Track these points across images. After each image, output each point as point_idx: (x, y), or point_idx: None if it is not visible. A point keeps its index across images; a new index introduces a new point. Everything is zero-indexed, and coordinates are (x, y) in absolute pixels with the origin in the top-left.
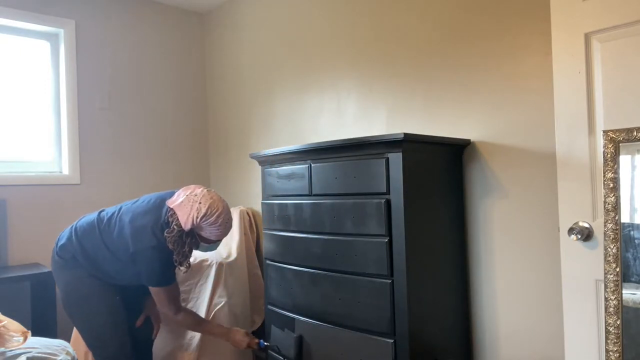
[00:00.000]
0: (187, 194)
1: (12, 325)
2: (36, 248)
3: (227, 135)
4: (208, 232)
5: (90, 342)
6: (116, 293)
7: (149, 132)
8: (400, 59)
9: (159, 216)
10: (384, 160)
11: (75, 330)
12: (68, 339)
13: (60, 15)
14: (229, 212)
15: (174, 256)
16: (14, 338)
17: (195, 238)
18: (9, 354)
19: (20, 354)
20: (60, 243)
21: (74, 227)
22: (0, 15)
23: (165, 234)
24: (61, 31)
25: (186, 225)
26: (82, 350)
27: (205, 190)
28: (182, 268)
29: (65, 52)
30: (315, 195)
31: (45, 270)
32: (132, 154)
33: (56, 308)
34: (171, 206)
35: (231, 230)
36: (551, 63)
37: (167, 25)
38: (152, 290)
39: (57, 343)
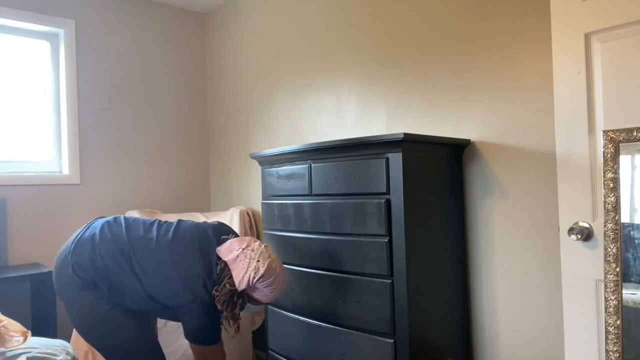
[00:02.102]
0: (242, 247)
1: (12, 325)
2: (36, 248)
3: (227, 135)
4: (260, 294)
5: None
6: (142, 318)
7: (149, 132)
8: (400, 59)
9: (210, 267)
10: (384, 160)
11: (75, 330)
12: (68, 339)
13: (60, 15)
14: (285, 273)
15: (222, 314)
16: (14, 338)
17: (244, 299)
18: (9, 354)
19: (20, 354)
20: (76, 260)
21: (95, 242)
22: (0, 15)
23: (214, 292)
24: (61, 31)
25: (241, 285)
26: (82, 350)
27: (263, 246)
28: (229, 331)
29: (65, 52)
30: (315, 195)
31: (45, 270)
32: (132, 154)
33: (56, 308)
34: (224, 259)
35: None
36: (551, 63)
37: (167, 25)
38: (196, 348)
39: (57, 343)
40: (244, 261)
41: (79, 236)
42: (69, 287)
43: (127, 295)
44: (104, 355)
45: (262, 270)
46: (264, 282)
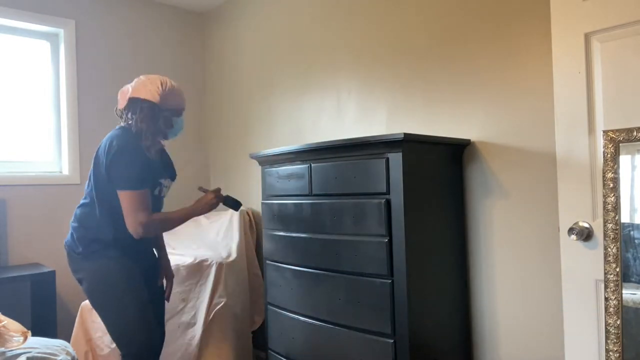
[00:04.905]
0: (131, 85)
1: (12, 325)
2: (36, 248)
3: (227, 135)
4: (174, 102)
5: (115, 329)
6: (137, 275)
7: None
8: (400, 60)
9: (116, 129)
10: (384, 160)
11: (75, 330)
12: (68, 339)
13: (60, 15)
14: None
15: (144, 136)
16: (14, 338)
17: (167, 112)
18: (9, 354)
19: (20, 354)
20: (66, 241)
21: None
22: (0, 15)
23: (137, 115)
24: (61, 31)
25: (155, 97)
26: (82, 350)
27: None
28: (155, 147)
29: (65, 52)
30: (315, 195)
31: (45, 270)
32: None
33: (56, 308)
34: (131, 96)
35: (231, 230)
36: (551, 63)
37: (166, 25)
38: (122, 197)
39: (57, 343)
40: (141, 85)
41: None
42: (74, 266)
43: (100, 224)
44: (105, 324)
45: (157, 82)
46: (166, 90)
